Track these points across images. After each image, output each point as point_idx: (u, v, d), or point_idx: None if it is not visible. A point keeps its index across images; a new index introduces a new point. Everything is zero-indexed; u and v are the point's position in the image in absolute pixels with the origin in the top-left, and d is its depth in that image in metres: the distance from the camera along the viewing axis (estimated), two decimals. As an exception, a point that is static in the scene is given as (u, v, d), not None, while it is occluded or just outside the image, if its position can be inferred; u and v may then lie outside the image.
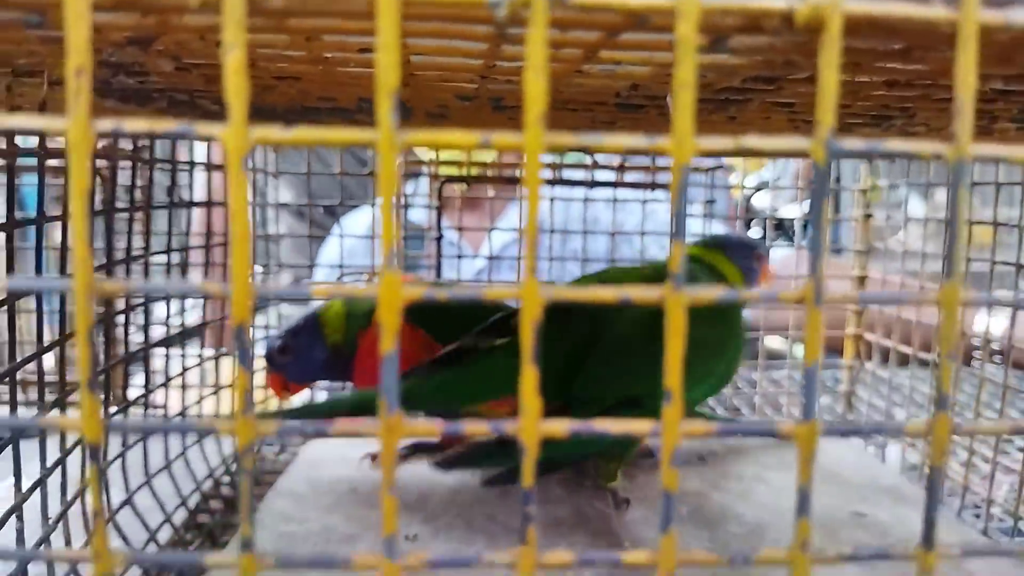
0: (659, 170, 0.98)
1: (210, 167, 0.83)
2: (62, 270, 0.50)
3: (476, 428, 0.22)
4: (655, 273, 0.73)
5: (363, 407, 0.68)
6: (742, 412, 1.11)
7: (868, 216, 1.02)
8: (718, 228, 1.11)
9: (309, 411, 0.71)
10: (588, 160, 0.97)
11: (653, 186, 0.98)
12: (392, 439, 0.21)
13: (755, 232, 1.57)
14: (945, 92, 0.40)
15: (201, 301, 0.84)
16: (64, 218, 0.49)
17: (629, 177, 0.98)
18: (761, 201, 1.62)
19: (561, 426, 0.22)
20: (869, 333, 1.03)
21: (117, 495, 0.63)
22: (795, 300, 0.22)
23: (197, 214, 0.89)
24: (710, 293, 0.22)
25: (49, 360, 0.52)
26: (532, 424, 0.22)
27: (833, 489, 0.87)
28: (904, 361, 0.95)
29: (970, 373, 0.88)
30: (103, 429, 0.20)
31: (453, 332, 0.75)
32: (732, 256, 0.78)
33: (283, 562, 0.22)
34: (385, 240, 0.20)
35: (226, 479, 0.85)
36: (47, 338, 0.51)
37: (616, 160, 0.98)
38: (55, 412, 0.53)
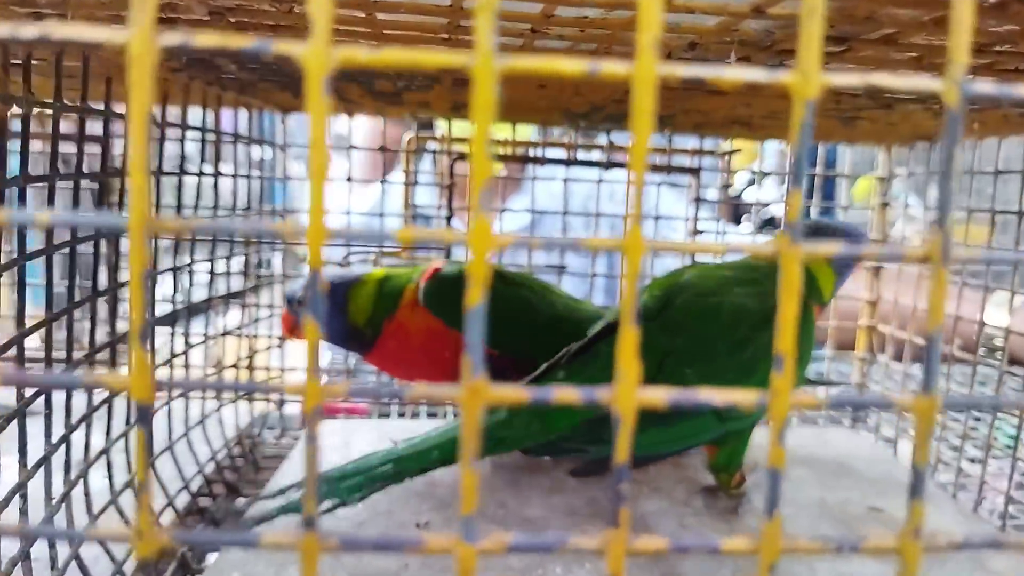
0: (675, 152, 0.96)
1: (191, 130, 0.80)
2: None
3: (566, 395, 0.20)
4: (747, 271, 0.72)
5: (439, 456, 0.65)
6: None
7: (885, 204, 1.00)
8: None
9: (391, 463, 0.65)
10: (603, 142, 0.95)
11: (669, 169, 0.96)
12: (475, 403, 0.19)
13: (746, 226, 1.55)
14: (1015, 61, 0.38)
15: (208, 278, 0.82)
16: (51, 180, 0.45)
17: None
18: (751, 195, 1.60)
19: (660, 394, 0.20)
20: (883, 325, 1.01)
21: (120, 476, 0.60)
22: (920, 259, 0.20)
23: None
24: (828, 247, 0.20)
25: (32, 339, 0.48)
26: (629, 392, 0.20)
27: (848, 483, 0.85)
28: (919, 356, 0.93)
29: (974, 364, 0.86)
30: (153, 387, 0.18)
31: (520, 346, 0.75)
32: None
33: (348, 544, 0.19)
34: (477, 179, 0.18)
35: (228, 462, 0.82)
36: (29, 315, 0.47)
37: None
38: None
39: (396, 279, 0.81)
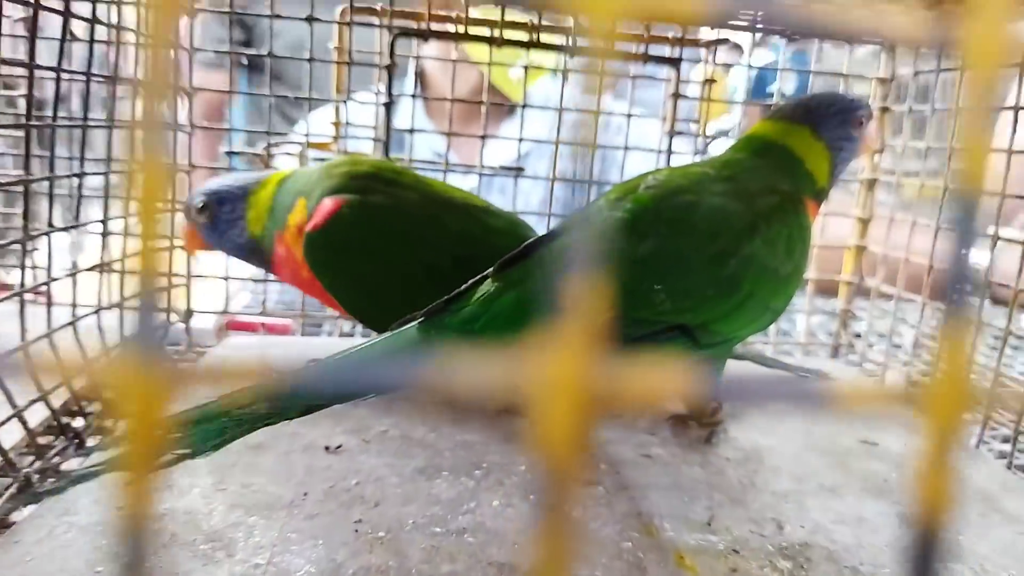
0: (653, 40, 0.83)
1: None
2: None
3: None
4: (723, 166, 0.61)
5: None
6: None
7: (885, 110, 0.89)
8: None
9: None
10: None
11: (646, 58, 0.83)
12: None
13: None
14: None
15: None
16: None
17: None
18: (719, 149, 1.49)
19: None
20: (874, 245, 0.90)
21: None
22: None
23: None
24: None
25: None
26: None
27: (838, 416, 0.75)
28: (916, 284, 0.81)
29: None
30: None
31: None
32: (822, 129, 0.62)
33: None
34: None
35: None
36: None
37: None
38: None
39: (293, 184, 0.67)
